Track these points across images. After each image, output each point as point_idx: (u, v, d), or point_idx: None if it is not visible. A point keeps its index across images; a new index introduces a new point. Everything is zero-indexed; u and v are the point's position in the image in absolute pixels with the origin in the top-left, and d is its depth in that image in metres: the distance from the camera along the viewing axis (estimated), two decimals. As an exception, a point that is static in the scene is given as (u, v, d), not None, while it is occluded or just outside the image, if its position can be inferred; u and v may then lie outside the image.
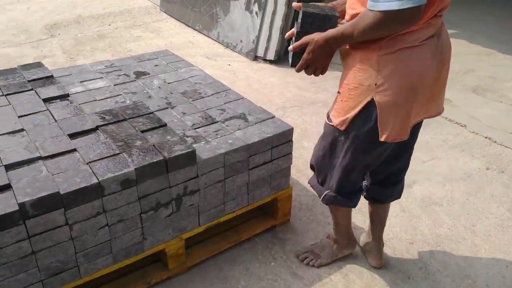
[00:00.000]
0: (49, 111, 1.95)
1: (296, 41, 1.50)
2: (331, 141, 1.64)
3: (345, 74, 1.52)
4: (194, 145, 1.84)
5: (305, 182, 2.55)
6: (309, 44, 1.46)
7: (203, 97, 2.25)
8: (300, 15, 1.48)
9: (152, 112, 1.98)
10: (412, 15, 1.23)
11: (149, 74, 2.51)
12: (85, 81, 2.39)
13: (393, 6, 1.21)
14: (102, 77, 2.45)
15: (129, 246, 1.72)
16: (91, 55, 4.27)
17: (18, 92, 2.10)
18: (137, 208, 1.67)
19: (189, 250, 1.98)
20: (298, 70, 1.53)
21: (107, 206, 1.58)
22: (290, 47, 1.53)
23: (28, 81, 2.22)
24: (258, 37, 4.27)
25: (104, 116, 1.93)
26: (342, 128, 1.56)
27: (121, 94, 2.27)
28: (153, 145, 1.73)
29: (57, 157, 1.65)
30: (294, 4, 1.58)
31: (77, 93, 2.25)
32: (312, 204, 2.46)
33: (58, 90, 2.14)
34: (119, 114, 1.95)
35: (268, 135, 1.95)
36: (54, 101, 2.06)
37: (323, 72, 1.55)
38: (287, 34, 1.59)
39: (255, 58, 4.32)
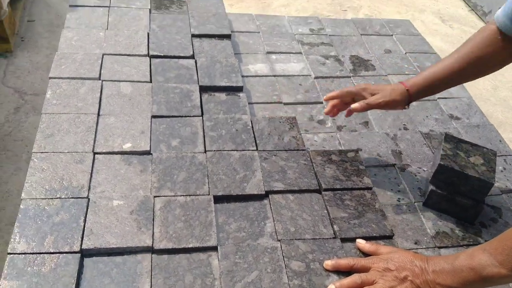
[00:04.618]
0: (203, 119, 1.12)
1: None
2: None
3: None
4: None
5: None
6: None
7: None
8: None
9: (368, 188, 1.03)
10: None
11: (374, 68, 1.50)
12: (274, 53, 1.49)
13: None
14: (300, 52, 1.51)
15: None
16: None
17: (161, 57, 1.28)
18: None
19: None
20: None
21: None
22: None
23: (193, 35, 1.39)
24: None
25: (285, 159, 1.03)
26: None
27: (320, 103, 1.33)
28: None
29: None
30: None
31: (256, 76, 1.37)
32: None
33: (229, 71, 1.27)
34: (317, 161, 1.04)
35: None
36: (213, 94, 1.21)
37: None
38: None
39: (513, 42, 2.90)
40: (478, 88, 2.41)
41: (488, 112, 2.28)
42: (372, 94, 1.06)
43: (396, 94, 1.05)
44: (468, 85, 2.42)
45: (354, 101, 1.09)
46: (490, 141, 1.30)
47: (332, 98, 1.11)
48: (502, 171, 1.22)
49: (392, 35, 1.69)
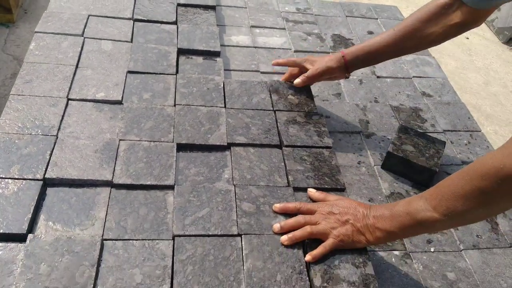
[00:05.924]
0: (176, 78, 1.17)
1: None
2: None
3: None
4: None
5: None
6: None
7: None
8: None
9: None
10: None
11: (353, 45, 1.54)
12: (258, 27, 1.54)
13: None
14: (284, 28, 1.56)
15: None
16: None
17: (144, 21, 1.34)
18: None
19: None
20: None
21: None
22: None
23: (179, 4, 1.45)
24: (529, 12, 2.83)
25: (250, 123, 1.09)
26: None
27: (297, 73, 1.38)
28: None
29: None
30: None
31: (237, 46, 1.42)
32: None
33: (209, 37, 1.33)
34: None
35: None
36: (191, 56, 1.27)
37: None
38: None
39: (510, 41, 2.92)
40: (469, 82, 2.44)
41: (477, 105, 2.31)
42: (312, 64, 1.15)
43: (333, 61, 1.13)
44: (458, 78, 2.45)
45: (301, 71, 1.19)
46: (458, 118, 1.34)
47: (279, 64, 1.24)
48: (466, 144, 1.26)
49: (377, 18, 1.73)
